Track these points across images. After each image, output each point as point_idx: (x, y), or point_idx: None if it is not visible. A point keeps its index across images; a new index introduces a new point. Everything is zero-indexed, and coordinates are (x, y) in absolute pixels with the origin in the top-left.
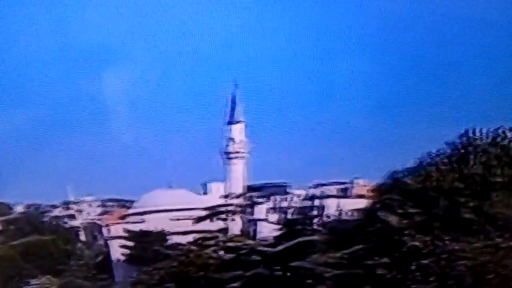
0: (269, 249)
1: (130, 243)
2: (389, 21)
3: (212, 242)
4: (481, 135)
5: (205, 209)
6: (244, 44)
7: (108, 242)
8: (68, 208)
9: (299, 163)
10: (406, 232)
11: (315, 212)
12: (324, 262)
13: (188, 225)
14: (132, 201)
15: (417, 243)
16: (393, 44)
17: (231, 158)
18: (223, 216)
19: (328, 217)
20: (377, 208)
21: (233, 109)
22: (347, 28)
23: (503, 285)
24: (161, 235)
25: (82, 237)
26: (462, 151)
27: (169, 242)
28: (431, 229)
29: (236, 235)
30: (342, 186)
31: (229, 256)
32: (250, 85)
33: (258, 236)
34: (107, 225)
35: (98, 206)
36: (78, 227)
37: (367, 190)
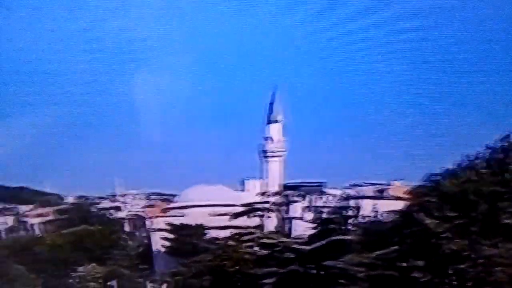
0: (304, 247)
1: (171, 236)
2: (425, 19)
3: (248, 238)
4: None
5: (242, 205)
6: (284, 45)
7: (150, 234)
8: (114, 200)
9: (336, 163)
10: (443, 235)
11: (350, 213)
12: (358, 262)
13: (226, 221)
14: (174, 196)
15: (454, 247)
16: (430, 44)
17: (268, 157)
18: (260, 213)
19: (364, 217)
20: (414, 210)
21: (271, 108)
22: (382, 28)
23: None
24: (200, 229)
25: (127, 228)
26: (503, 155)
27: (207, 236)
28: (469, 233)
29: (272, 232)
30: (379, 187)
31: (264, 252)
32: (289, 85)
33: (293, 234)
34: (150, 218)
35: (142, 199)
36: (123, 218)
37: (404, 192)
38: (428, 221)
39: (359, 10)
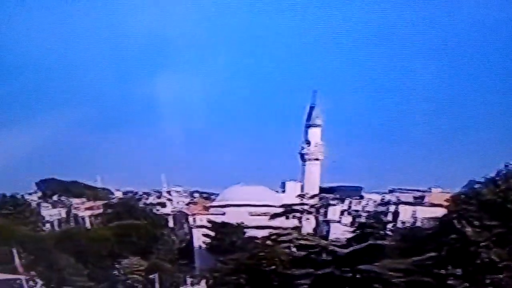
0: (340, 250)
1: (211, 233)
2: (469, 23)
3: (285, 238)
4: None
5: (281, 206)
6: (325, 48)
7: (192, 230)
8: (160, 197)
9: (375, 168)
10: (482, 244)
11: (389, 218)
12: (394, 267)
13: (264, 221)
14: (216, 194)
15: (493, 256)
16: (475, 48)
17: (307, 160)
18: (298, 214)
19: (403, 223)
20: (453, 218)
21: (310, 113)
22: (424, 35)
23: None
24: (239, 228)
25: (170, 223)
26: None
27: (246, 235)
28: (508, 243)
29: (309, 234)
30: (418, 194)
31: (300, 253)
32: (329, 90)
33: (331, 236)
34: (192, 215)
35: (186, 197)
36: (168, 214)
37: (444, 199)
38: (467, 229)
39: (401, 16)
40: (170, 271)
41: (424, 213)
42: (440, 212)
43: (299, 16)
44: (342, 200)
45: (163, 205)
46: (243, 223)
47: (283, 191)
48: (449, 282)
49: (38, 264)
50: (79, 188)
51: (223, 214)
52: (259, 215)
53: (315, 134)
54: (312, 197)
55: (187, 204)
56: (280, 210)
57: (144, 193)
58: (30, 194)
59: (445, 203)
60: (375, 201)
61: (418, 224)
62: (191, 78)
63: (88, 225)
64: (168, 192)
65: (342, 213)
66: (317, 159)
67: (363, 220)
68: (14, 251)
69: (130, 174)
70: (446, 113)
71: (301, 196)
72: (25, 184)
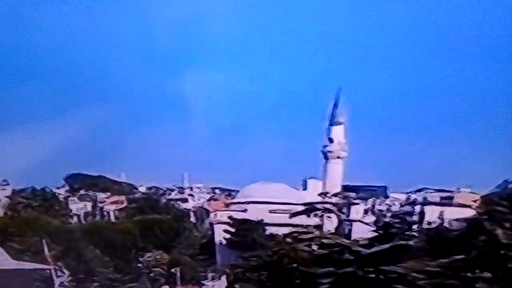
0: (363, 249)
1: (232, 229)
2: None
3: (306, 236)
4: None
5: (302, 204)
6: (349, 47)
7: (214, 226)
8: (182, 192)
9: (401, 167)
10: None
11: (415, 218)
12: (419, 269)
13: (285, 218)
14: (237, 191)
15: None
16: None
17: (329, 158)
18: (319, 213)
19: (429, 224)
20: (483, 219)
21: (334, 110)
22: (450, 29)
23: None
24: (260, 225)
25: (192, 219)
26: None
27: (267, 232)
28: None
29: (331, 233)
30: (446, 194)
31: (322, 252)
32: (353, 88)
33: (353, 236)
34: (214, 211)
35: (207, 193)
36: (190, 210)
37: (472, 199)
38: (498, 231)
39: (429, 12)
40: (191, 265)
41: (452, 214)
42: (468, 213)
43: (322, 13)
44: (365, 199)
45: (184, 200)
46: (263, 220)
47: (304, 189)
48: (478, 286)
49: (66, 255)
50: (104, 182)
51: (244, 211)
52: (279, 212)
53: (338, 132)
54: (335, 195)
55: (208, 200)
56: (301, 208)
57: (168, 188)
58: (58, 188)
59: (474, 204)
60: (400, 201)
61: (445, 225)
62: (216, 75)
63: (113, 218)
64: (190, 188)
65: (365, 212)
66: (339, 157)
67: (387, 220)
68: (44, 242)
69: (154, 170)
70: (478, 112)
71: (323, 194)
72: (54, 179)
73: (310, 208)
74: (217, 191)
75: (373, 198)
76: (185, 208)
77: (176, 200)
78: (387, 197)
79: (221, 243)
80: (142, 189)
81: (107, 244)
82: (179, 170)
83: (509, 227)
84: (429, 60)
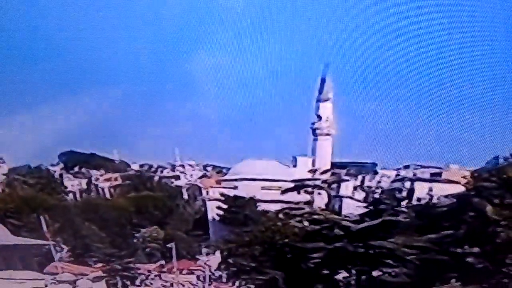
0: (353, 225)
1: (225, 206)
2: None
3: (297, 212)
4: None
5: (293, 181)
6: (336, 22)
7: (206, 202)
8: (174, 170)
9: (389, 143)
10: (502, 223)
11: (404, 194)
12: (408, 244)
13: (277, 195)
14: (228, 168)
15: None
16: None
17: (318, 135)
18: (310, 189)
19: (418, 200)
20: (471, 195)
21: (322, 87)
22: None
23: None
24: (252, 202)
25: (185, 196)
26: None
27: (259, 208)
28: None
29: (322, 209)
30: (435, 170)
31: (313, 227)
32: (341, 63)
33: (343, 212)
34: (206, 188)
35: (199, 170)
36: (182, 187)
37: (462, 176)
38: (487, 207)
39: None
40: (186, 241)
41: (441, 190)
42: (457, 189)
43: None
44: (355, 176)
45: (177, 178)
46: (255, 197)
47: (294, 166)
48: (468, 260)
49: (63, 232)
50: (97, 160)
51: (236, 188)
52: (271, 189)
53: (326, 108)
54: (324, 172)
55: (200, 178)
56: (292, 184)
57: (159, 166)
58: (53, 165)
59: (463, 180)
60: (389, 177)
61: (434, 201)
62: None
63: (108, 195)
64: (182, 166)
65: (355, 188)
66: (328, 134)
67: (377, 196)
68: (42, 218)
69: (147, 147)
70: (466, 85)
71: (313, 171)
72: (48, 157)
73: (300, 185)
74: (208, 168)
75: (362, 174)
76: (178, 185)
77: (169, 177)
78: (376, 173)
79: (214, 219)
80: (135, 166)
81: (103, 220)
82: (170, 148)
83: (497, 203)
84: (420, 34)
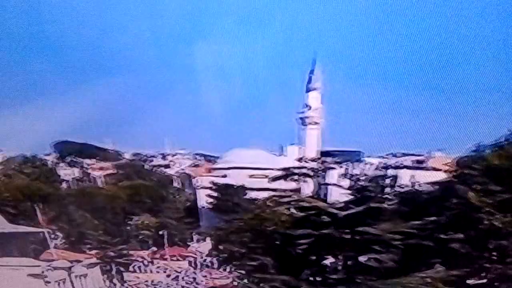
0: (339, 212)
1: (215, 194)
2: None
3: (285, 200)
4: None
5: (280, 169)
6: (325, 11)
7: (197, 191)
8: (164, 158)
9: (375, 132)
10: (485, 210)
11: (387, 181)
12: (393, 230)
13: (265, 183)
14: (218, 157)
15: (496, 223)
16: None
17: (306, 124)
18: (297, 177)
19: (401, 187)
20: (454, 182)
21: (310, 76)
22: None
23: None
24: (241, 190)
25: (176, 184)
26: None
27: (248, 196)
28: None
29: (309, 196)
30: (418, 158)
31: (300, 214)
32: (329, 52)
33: (329, 199)
34: (197, 176)
35: (189, 159)
36: (173, 175)
37: (445, 163)
38: (470, 194)
39: None
40: (178, 228)
41: (425, 177)
42: (441, 176)
43: None
44: (340, 164)
45: (167, 166)
46: (244, 185)
47: (282, 154)
48: (452, 245)
49: (58, 220)
50: (91, 150)
51: (225, 176)
52: (259, 177)
53: (314, 98)
54: (311, 160)
55: (190, 166)
56: (280, 173)
57: (151, 155)
58: (47, 155)
59: (447, 167)
60: (374, 165)
61: (418, 188)
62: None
63: (100, 184)
64: (172, 155)
65: (340, 176)
66: (316, 123)
67: (362, 183)
68: (36, 207)
69: (138, 137)
70: (450, 71)
71: (300, 159)
72: (42, 147)
73: (288, 173)
74: (198, 157)
75: (347, 162)
76: (169, 174)
77: (160, 166)
78: (361, 161)
79: (204, 207)
80: (127, 155)
81: (97, 209)
82: (161, 137)
83: (480, 189)
84: (407, 23)
